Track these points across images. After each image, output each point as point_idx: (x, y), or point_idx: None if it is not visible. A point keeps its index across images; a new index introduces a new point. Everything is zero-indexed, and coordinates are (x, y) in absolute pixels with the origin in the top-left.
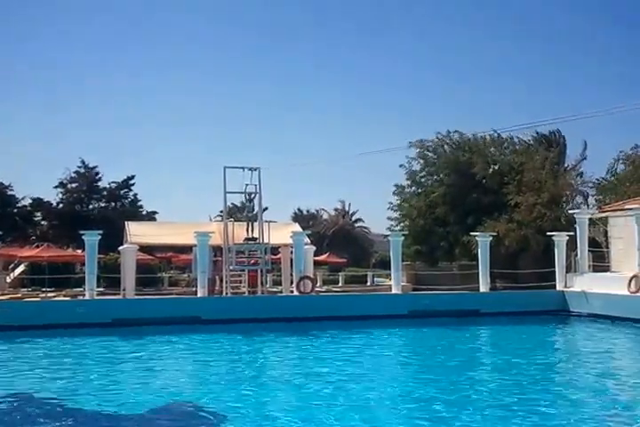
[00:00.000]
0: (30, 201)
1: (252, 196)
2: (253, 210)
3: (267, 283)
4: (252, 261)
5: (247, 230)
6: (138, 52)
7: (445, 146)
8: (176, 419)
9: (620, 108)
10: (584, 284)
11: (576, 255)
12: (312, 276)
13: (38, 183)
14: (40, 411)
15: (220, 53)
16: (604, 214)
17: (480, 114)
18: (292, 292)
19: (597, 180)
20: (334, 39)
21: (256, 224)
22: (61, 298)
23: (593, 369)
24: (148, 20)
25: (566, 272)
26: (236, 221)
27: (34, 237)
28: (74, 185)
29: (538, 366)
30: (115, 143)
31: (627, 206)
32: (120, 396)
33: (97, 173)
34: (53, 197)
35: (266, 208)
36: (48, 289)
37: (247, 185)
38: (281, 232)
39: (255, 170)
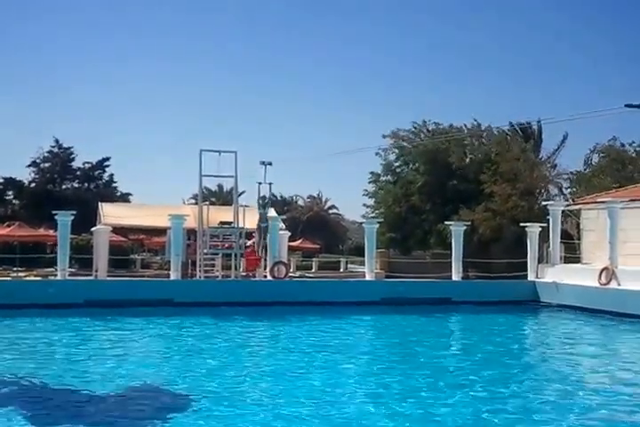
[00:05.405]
0: (1, 180)
1: (267, 196)
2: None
3: (240, 267)
4: (226, 246)
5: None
6: (125, 38)
7: (422, 134)
8: (145, 401)
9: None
10: (555, 275)
11: (548, 246)
12: (286, 261)
13: (10, 162)
14: (5, 392)
15: (210, 43)
16: (576, 207)
17: (462, 104)
18: (265, 277)
19: (572, 172)
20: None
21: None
22: (32, 278)
23: (555, 357)
24: (135, 6)
25: (538, 263)
26: (210, 204)
27: (5, 217)
28: (47, 165)
29: (498, 352)
30: (91, 124)
31: (599, 199)
32: (89, 377)
33: (71, 154)
34: (26, 176)
35: (242, 192)
36: (19, 269)
37: (260, 184)
38: (256, 217)
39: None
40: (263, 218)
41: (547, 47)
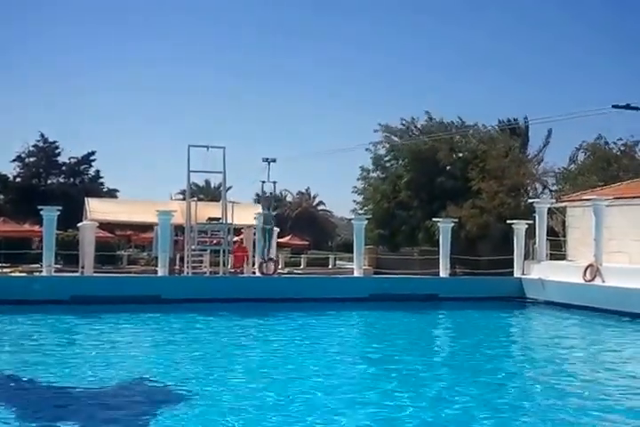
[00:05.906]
0: None
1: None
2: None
3: (228, 263)
4: (214, 242)
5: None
6: (125, 40)
7: (410, 132)
8: (134, 397)
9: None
10: (541, 271)
11: (534, 243)
12: (275, 257)
13: None
14: None
15: (210, 43)
16: (562, 204)
17: (462, 104)
18: (253, 273)
19: (559, 169)
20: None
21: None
22: (17, 274)
23: (539, 352)
24: (134, 7)
25: (524, 260)
26: (198, 200)
27: None
28: (32, 159)
29: (482, 347)
30: (86, 124)
31: (585, 197)
32: (77, 374)
33: (56, 148)
34: (10, 170)
35: (229, 187)
36: (4, 265)
37: (264, 182)
38: (244, 213)
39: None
40: (268, 220)
41: (546, 47)
